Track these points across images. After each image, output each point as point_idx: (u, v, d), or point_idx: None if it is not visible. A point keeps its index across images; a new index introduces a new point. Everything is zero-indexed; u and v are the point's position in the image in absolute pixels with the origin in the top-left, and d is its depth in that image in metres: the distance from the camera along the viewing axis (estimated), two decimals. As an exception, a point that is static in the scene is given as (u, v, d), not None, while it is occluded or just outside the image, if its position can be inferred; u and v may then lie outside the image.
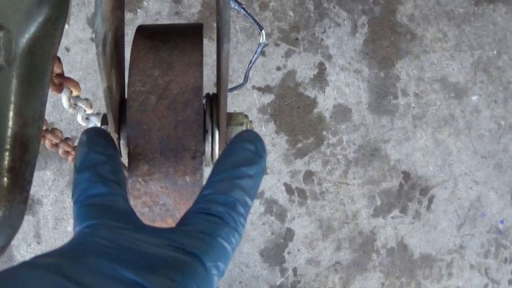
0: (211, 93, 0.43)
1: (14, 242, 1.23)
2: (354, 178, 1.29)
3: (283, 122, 1.29)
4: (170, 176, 0.37)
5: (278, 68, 1.30)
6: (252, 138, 0.33)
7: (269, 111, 1.29)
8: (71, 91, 0.55)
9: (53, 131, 0.70)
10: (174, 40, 0.39)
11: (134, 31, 0.41)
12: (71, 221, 1.28)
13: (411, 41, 1.31)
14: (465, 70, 1.32)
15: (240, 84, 0.95)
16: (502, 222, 1.30)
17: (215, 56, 0.39)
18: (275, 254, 1.28)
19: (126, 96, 0.38)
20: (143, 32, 0.40)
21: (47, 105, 0.44)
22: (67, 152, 0.80)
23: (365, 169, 1.29)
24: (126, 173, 0.38)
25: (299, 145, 1.29)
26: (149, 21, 1.31)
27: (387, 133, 1.30)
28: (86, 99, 0.60)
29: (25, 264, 0.25)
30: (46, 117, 0.44)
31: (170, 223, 0.40)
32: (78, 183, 0.32)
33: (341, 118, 1.30)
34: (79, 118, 0.62)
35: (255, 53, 0.87)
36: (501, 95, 1.31)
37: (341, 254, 1.28)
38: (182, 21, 1.31)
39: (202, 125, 0.37)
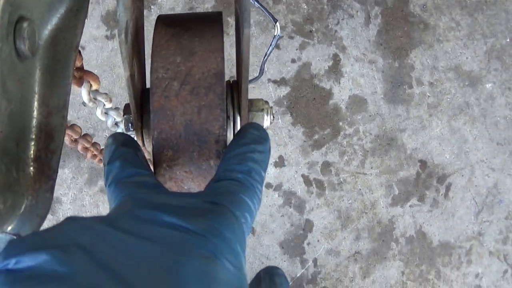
0: (231, 80, 0.43)
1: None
2: (371, 168, 1.30)
3: (299, 114, 1.30)
4: (194, 161, 0.37)
5: (293, 61, 1.31)
6: (256, 126, 0.37)
7: (285, 103, 1.30)
8: (91, 85, 0.55)
9: (72, 127, 0.70)
10: (195, 28, 0.40)
11: (149, 27, 0.41)
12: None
13: (424, 30, 1.32)
14: (479, 58, 1.32)
15: (256, 77, 0.95)
16: (519, 208, 1.31)
17: (229, 51, 0.40)
18: (295, 245, 1.29)
19: (149, 83, 0.38)
20: (164, 21, 0.41)
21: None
22: (86, 149, 0.81)
23: (382, 158, 1.30)
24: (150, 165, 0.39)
25: (316, 136, 1.30)
26: (163, 17, 1.31)
27: (403, 122, 1.31)
28: (105, 93, 0.60)
29: (69, 218, 0.28)
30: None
31: None
32: (110, 172, 0.35)
33: (356, 109, 1.30)
34: (98, 112, 0.62)
35: (270, 46, 0.87)
36: (515, 82, 1.32)
37: (360, 244, 1.29)
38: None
39: (225, 109, 0.37)
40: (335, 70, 1.31)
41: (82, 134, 0.75)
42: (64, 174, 1.30)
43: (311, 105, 1.30)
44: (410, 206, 1.30)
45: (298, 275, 1.28)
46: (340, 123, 1.30)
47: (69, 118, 1.44)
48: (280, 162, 1.29)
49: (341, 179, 1.30)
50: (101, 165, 1.04)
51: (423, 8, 1.33)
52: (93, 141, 0.83)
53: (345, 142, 1.30)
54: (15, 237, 0.40)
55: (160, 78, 0.37)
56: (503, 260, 1.30)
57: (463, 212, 1.30)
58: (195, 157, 0.37)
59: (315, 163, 1.29)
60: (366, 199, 1.30)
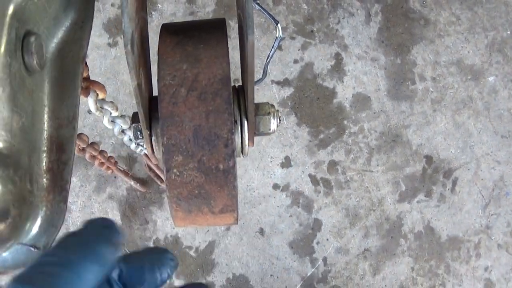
0: (236, 85, 0.44)
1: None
2: (378, 165, 1.30)
3: (304, 114, 1.30)
4: (204, 165, 0.38)
5: (296, 61, 1.31)
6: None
7: (289, 104, 1.30)
8: (97, 94, 0.56)
9: (79, 136, 0.71)
10: (199, 35, 0.40)
11: (151, 33, 0.42)
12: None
13: (425, 26, 1.32)
14: (480, 51, 1.32)
15: (259, 79, 0.96)
16: (526, 199, 1.31)
17: (231, 53, 0.40)
18: (304, 245, 1.29)
19: (157, 91, 0.39)
20: (168, 29, 0.42)
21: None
22: (93, 157, 0.81)
23: (388, 155, 1.30)
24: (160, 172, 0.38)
25: (321, 135, 1.30)
26: (165, 23, 1.32)
27: (407, 118, 1.31)
28: (112, 102, 0.60)
29: None
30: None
31: (206, 212, 0.41)
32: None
33: (361, 107, 1.31)
34: (105, 120, 0.62)
35: (272, 47, 0.88)
36: (517, 74, 1.32)
37: (369, 241, 1.29)
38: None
39: (232, 113, 0.37)
40: (337, 69, 1.32)
41: (89, 142, 0.75)
42: (72, 182, 1.30)
43: (315, 105, 1.31)
44: (418, 201, 1.30)
45: (308, 274, 1.29)
46: (345, 122, 1.31)
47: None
48: (287, 163, 1.30)
49: (348, 177, 1.30)
50: (109, 172, 1.05)
51: (422, 3, 1.33)
52: (100, 149, 0.84)
53: (350, 141, 1.30)
54: (32, 248, 0.40)
55: (168, 85, 0.37)
56: (513, 252, 1.30)
57: (471, 206, 1.30)
58: (204, 161, 0.38)
59: (321, 163, 1.30)
60: (373, 196, 1.30)
